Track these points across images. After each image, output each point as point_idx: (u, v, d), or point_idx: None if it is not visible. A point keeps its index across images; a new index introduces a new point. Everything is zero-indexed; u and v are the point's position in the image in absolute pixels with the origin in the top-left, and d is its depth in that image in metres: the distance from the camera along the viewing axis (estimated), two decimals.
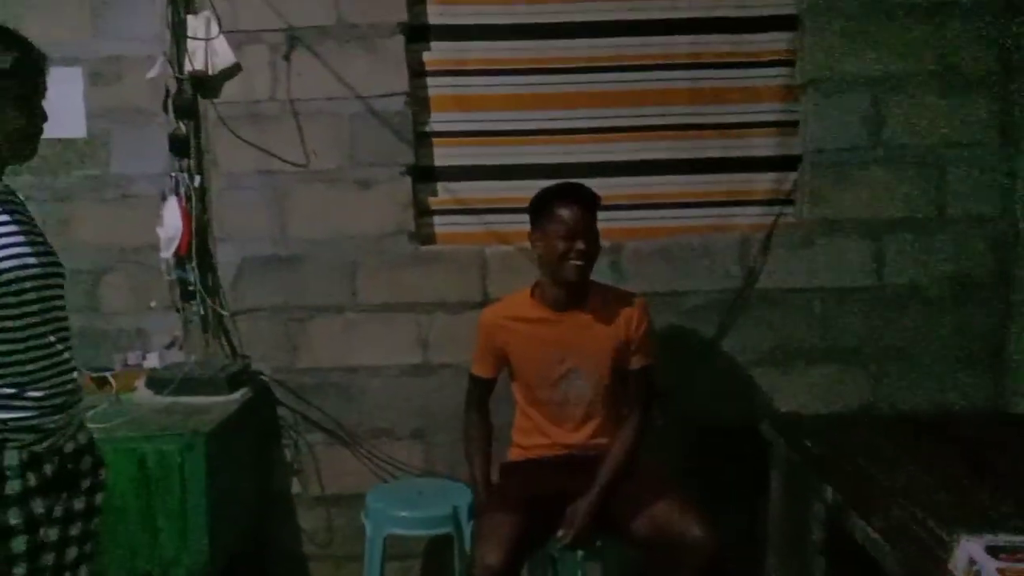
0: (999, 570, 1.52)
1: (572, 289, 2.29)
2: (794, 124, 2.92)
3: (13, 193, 1.63)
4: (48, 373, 1.56)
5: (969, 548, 1.61)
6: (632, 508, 2.18)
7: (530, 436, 2.42)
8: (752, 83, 2.92)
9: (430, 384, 2.93)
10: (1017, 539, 1.62)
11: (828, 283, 2.88)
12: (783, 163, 2.94)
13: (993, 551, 1.58)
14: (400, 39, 2.83)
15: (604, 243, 2.38)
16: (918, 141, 2.83)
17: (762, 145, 2.95)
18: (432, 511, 2.55)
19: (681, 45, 2.91)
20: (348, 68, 2.82)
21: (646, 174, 2.96)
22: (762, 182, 2.96)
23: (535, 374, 2.35)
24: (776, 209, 2.92)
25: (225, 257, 2.90)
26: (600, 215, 2.31)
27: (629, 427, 2.34)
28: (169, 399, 2.61)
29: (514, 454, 2.46)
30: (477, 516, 2.33)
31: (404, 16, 2.83)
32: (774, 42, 2.91)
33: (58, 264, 1.63)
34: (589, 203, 2.27)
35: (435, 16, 2.91)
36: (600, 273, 2.48)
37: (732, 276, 2.89)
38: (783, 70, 2.91)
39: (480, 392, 2.46)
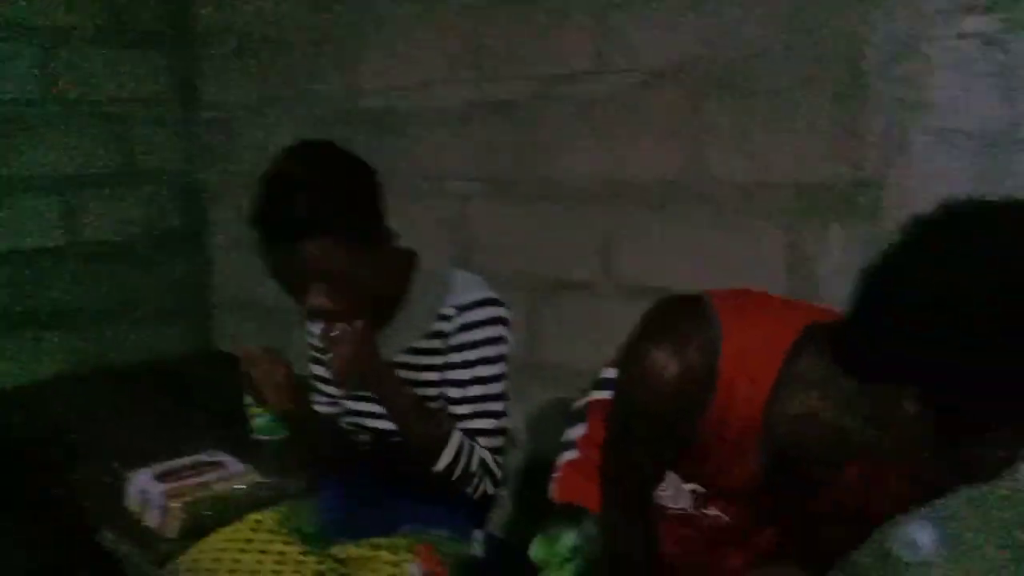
0: (165, 492, 1.62)
1: None
2: None
3: None
4: None
5: (139, 480, 1.68)
6: None
7: None
8: None
9: None
10: (181, 461, 1.74)
11: (16, 245, 2.67)
12: None
13: (161, 477, 1.67)
14: None
15: None
16: (98, 96, 2.79)
17: None
18: None
19: None
20: None
21: None
22: None
23: None
24: None
25: None
26: None
27: None
28: None
29: None
30: None
31: None
32: None
33: None
34: None
35: None
36: None
37: None
38: None
39: None
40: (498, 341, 1.34)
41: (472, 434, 1.34)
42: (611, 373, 1.24)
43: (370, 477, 1.43)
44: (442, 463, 1.30)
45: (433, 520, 1.33)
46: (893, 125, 1.41)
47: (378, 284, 1.28)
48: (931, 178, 1.36)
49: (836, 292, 1.19)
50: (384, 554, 1.24)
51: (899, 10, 1.40)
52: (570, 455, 1.33)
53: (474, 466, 1.33)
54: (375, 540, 1.28)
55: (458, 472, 1.32)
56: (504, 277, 1.91)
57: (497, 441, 1.37)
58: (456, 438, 1.32)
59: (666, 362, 0.94)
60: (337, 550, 1.31)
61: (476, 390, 1.34)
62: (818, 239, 1.54)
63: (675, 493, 1.12)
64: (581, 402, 1.36)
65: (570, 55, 1.91)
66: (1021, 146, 1.27)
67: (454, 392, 1.35)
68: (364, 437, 1.47)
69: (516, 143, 2.03)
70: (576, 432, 1.34)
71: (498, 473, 1.38)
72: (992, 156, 1.29)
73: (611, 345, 1.85)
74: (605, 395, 1.23)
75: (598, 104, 1.87)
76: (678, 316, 0.98)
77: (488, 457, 1.35)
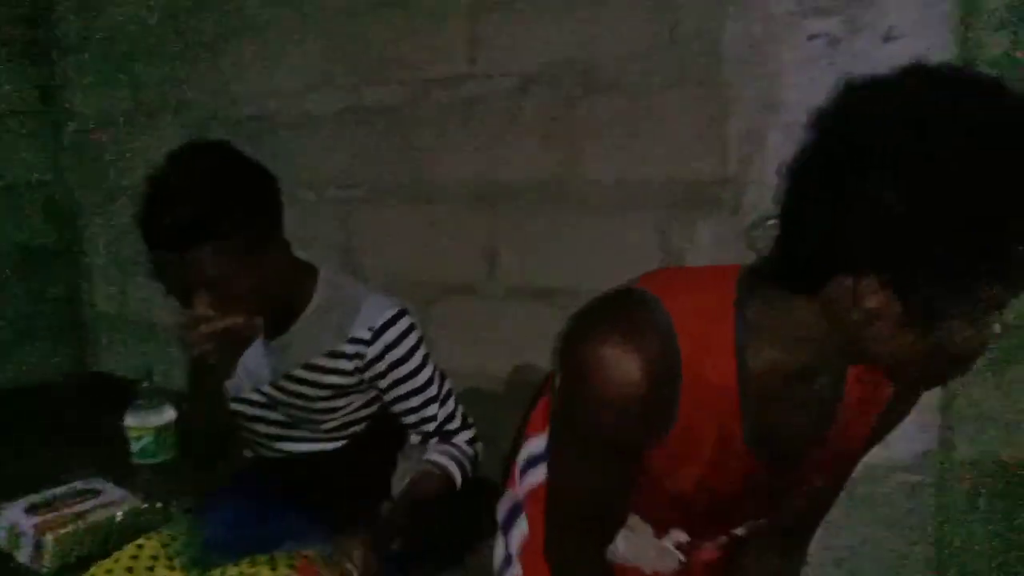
0: (37, 525, 1.54)
1: None
2: None
3: None
4: None
5: (8, 514, 1.59)
6: None
7: None
8: None
9: None
10: (54, 491, 1.66)
11: None
12: None
13: (33, 509, 1.60)
14: None
15: None
16: None
17: None
18: None
19: None
20: None
21: None
22: None
23: None
24: None
25: None
26: None
27: None
28: None
29: None
30: None
31: None
32: None
33: None
34: None
35: None
36: None
37: None
38: None
39: None
40: (420, 344, 1.37)
41: (443, 429, 1.39)
42: (538, 446, 1.09)
43: (253, 495, 1.41)
44: (458, 483, 1.36)
45: (317, 536, 1.31)
46: (751, 124, 1.48)
47: (270, 294, 1.24)
48: None
49: None
50: (264, 570, 1.22)
51: (753, 13, 1.46)
52: None
53: (470, 452, 1.40)
54: (256, 557, 1.25)
55: (469, 472, 1.38)
56: (389, 283, 1.90)
57: (460, 413, 1.43)
58: (445, 459, 1.36)
59: (626, 358, 0.80)
60: (220, 571, 1.28)
61: (426, 395, 1.37)
62: (687, 234, 1.59)
63: (658, 555, 1.00)
64: (513, 497, 1.15)
65: (445, 59, 1.91)
66: None
67: (413, 402, 1.37)
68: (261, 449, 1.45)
69: (395, 148, 2.02)
70: (512, 543, 1.12)
71: (472, 425, 1.45)
72: None
73: (499, 346, 1.88)
74: (539, 478, 1.07)
75: (475, 107, 1.88)
76: (619, 308, 0.85)
77: (467, 434, 1.42)
